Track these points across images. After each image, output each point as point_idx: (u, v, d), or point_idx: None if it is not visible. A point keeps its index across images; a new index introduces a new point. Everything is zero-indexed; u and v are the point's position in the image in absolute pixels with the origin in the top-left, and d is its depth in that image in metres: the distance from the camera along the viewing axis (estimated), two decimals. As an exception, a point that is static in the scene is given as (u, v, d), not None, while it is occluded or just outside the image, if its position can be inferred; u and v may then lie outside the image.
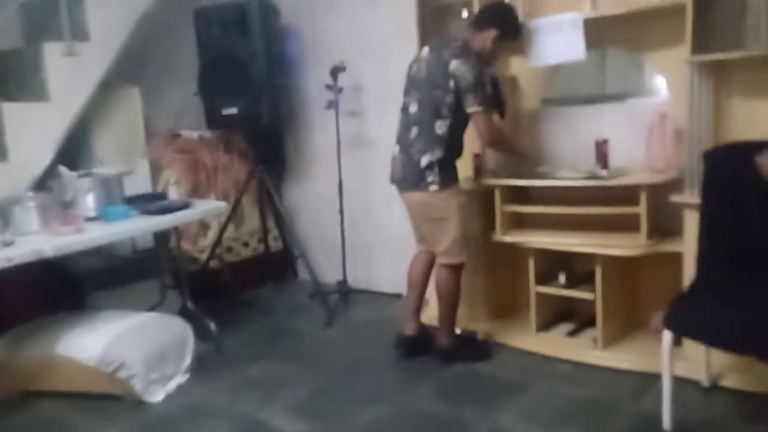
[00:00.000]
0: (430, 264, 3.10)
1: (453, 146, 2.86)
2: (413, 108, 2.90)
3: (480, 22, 2.90)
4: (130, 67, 3.81)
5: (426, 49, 2.95)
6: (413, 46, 3.26)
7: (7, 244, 2.55)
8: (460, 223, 2.88)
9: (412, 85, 2.94)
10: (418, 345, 3.09)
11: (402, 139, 2.94)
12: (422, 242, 3.09)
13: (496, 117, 2.96)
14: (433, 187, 2.83)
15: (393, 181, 3.01)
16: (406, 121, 2.93)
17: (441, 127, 2.80)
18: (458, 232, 2.88)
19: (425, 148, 2.83)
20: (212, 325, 3.33)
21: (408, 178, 2.90)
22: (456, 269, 2.95)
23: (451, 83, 2.76)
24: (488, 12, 2.93)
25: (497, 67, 3.08)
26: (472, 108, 2.76)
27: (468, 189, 3.23)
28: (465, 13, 3.26)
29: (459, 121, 2.83)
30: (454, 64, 2.75)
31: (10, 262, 2.43)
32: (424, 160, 2.82)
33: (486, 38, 2.85)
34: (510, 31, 2.89)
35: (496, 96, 3.01)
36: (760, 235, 2.31)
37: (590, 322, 3.01)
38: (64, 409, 2.78)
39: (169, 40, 4.18)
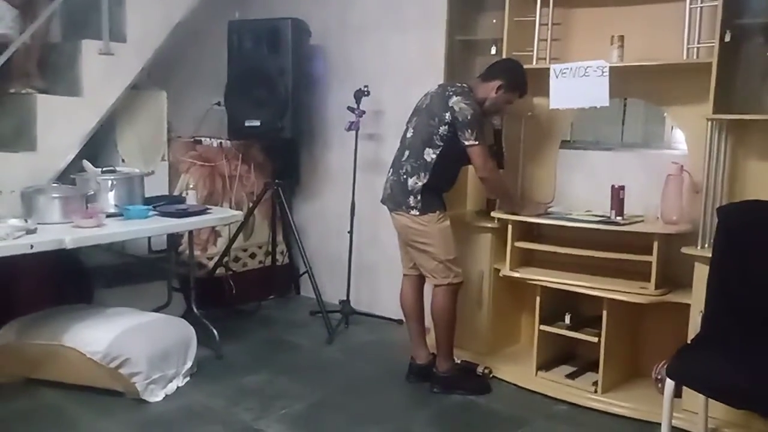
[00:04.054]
0: (418, 288, 3.17)
1: (440, 175, 2.96)
2: (409, 133, 3.04)
3: (486, 74, 3.04)
4: (160, 71, 3.89)
5: (436, 85, 3.09)
6: (439, 77, 3.34)
7: (30, 231, 2.60)
8: (441, 248, 2.95)
9: (414, 113, 3.09)
10: (430, 373, 3.11)
11: (395, 162, 3.07)
12: (407, 263, 3.16)
13: (494, 165, 3.04)
14: (414, 212, 2.94)
15: (382, 200, 3.11)
16: (402, 146, 3.07)
17: (430, 155, 2.92)
18: (441, 256, 2.95)
19: (413, 171, 2.94)
20: (215, 332, 3.35)
21: (394, 199, 3.02)
22: (449, 292, 2.99)
23: (447, 116, 2.88)
24: (496, 65, 3.07)
25: (501, 119, 3.19)
26: (468, 141, 2.87)
27: (481, 224, 3.29)
28: (494, 50, 3.34)
29: (450, 153, 2.93)
30: (454, 99, 2.90)
31: (32, 248, 2.47)
32: (410, 183, 2.93)
33: (490, 89, 2.98)
34: (514, 83, 2.99)
35: (497, 147, 3.15)
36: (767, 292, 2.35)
37: (590, 366, 3.03)
38: (65, 399, 2.80)
39: (200, 49, 4.26)
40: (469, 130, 2.86)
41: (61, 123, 3.23)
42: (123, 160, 3.68)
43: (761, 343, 2.29)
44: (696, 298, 2.64)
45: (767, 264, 2.35)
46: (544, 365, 3.12)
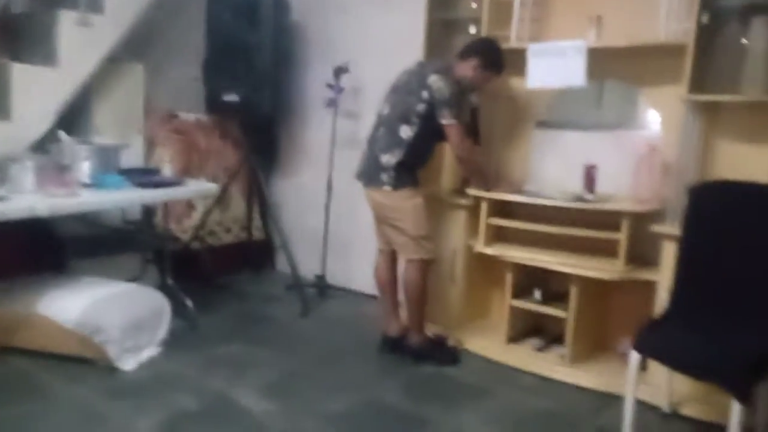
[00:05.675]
0: (393, 263, 3.21)
1: (415, 152, 2.98)
2: (386, 110, 3.07)
3: (463, 52, 3.07)
4: (137, 44, 3.84)
5: (414, 63, 3.12)
6: (418, 55, 3.35)
7: (2, 199, 2.57)
8: (413, 225, 2.98)
9: (392, 90, 3.10)
10: (402, 345, 3.16)
11: (370, 138, 3.10)
12: (381, 238, 3.20)
13: (470, 143, 3.08)
14: (387, 188, 2.97)
15: (357, 176, 3.14)
16: (378, 122, 3.10)
17: (406, 132, 2.95)
18: (412, 232, 2.99)
19: (386, 148, 2.97)
20: (189, 303, 3.36)
21: (367, 174, 3.05)
22: (420, 266, 3.03)
23: (425, 93, 2.91)
24: (472, 44, 3.11)
25: (479, 97, 3.23)
26: (445, 120, 2.90)
27: (455, 201, 3.32)
28: (473, 29, 3.35)
29: (426, 131, 2.96)
30: (432, 78, 2.92)
31: (4, 216, 2.45)
32: (384, 159, 2.96)
33: (467, 67, 3.01)
34: (491, 61, 3.02)
35: (473, 124, 3.19)
36: (734, 270, 2.41)
37: (558, 339, 3.11)
38: (37, 367, 2.79)
39: (178, 22, 4.21)
40: (447, 109, 2.89)
41: (37, 93, 3.18)
42: (98, 132, 3.63)
43: (725, 319, 2.36)
44: (663, 275, 2.71)
45: (734, 242, 2.41)
46: (514, 338, 3.19)
